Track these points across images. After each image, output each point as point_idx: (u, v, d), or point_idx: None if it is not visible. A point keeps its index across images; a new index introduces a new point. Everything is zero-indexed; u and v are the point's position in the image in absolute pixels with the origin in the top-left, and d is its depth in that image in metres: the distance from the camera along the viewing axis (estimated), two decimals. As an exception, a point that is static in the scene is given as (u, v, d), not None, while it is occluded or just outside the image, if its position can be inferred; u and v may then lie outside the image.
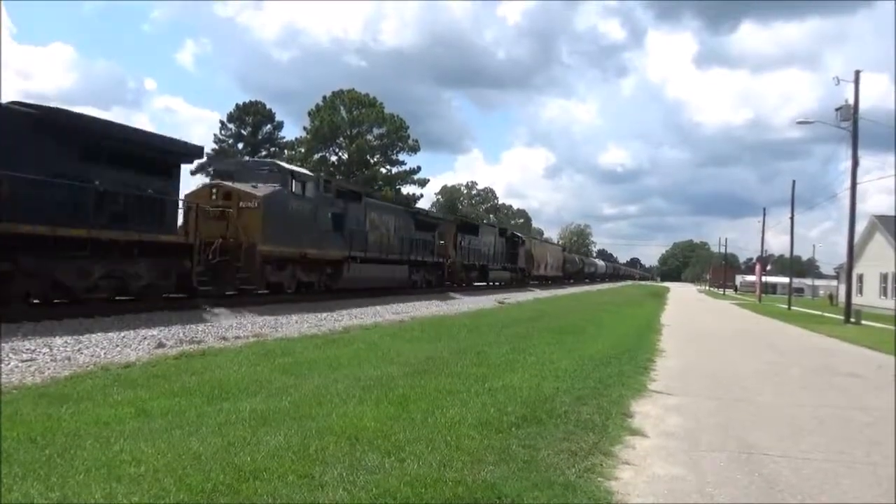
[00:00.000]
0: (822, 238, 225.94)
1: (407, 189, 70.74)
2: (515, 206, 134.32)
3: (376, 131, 68.90)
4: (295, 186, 18.20)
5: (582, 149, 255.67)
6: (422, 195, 73.38)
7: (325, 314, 16.26)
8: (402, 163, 70.96)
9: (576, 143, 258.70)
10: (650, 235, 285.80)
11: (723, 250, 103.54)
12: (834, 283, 59.42)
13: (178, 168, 14.97)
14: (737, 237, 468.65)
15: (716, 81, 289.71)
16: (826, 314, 32.66)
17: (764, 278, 65.63)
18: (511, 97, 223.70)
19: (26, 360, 8.10)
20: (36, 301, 11.97)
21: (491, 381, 7.54)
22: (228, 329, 12.31)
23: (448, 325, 14.82)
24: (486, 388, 7.11)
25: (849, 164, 26.70)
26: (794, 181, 45.74)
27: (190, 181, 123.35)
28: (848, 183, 27.08)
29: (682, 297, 53.74)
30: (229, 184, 16.99)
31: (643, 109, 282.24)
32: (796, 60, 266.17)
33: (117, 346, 9.67)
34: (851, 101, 26.44)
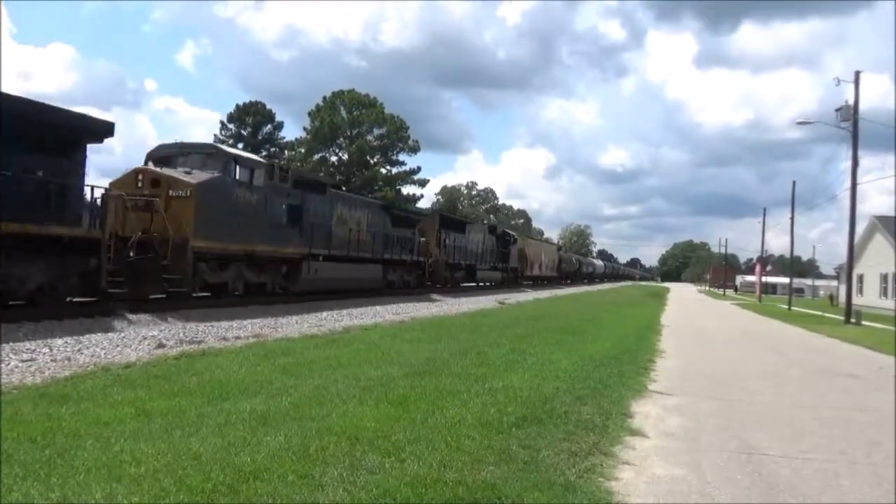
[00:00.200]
0: (822, 238, 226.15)
1: (407, 189, 70.88)
2: (516, 207, 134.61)
3: (376, 132, 68.98)
4: (240, 173, 16.00)
5: (582, 149, 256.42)
6: (422, 195, 73.60)
7: (325, 314, 16.26)
8: (403, 163, 71.12)
9: (576, 143, 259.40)
10: (650, 236, 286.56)
11: (723, 250, 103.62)
12: (834, 283, 59.41)
13: (80, 148, 12.43)
14: (737, 237, 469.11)
15: (716, 82, 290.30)
16: (826, 314, 32.64)
17: (764, 279, 65.62)
18: (511, 97, 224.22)
19: (26, 361, 8.10)
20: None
21: (491, 381, 7.54)
22: (229, 329, 12.31)
23: (448, 326, 14.81)
24: (486, 388, 7.11)
25: (849, 164, 26.73)
26: (794, 181, 45.78)
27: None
28: (848, 183, 27.11)
29: (683, 297, 53.72)
30: (157, 169, 14.86)
31: (643, 110, 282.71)
32: (796, 61, 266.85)
33: (117, 346, 9.68)
34: (851, 102, 26.45)
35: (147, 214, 13.91)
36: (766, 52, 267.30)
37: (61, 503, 3.53)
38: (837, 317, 28.82)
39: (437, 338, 12.07)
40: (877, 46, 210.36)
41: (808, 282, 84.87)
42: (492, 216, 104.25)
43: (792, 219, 44.92)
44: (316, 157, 68.12)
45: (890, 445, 5.79)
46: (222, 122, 71.36)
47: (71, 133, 12.20)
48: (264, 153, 67.38)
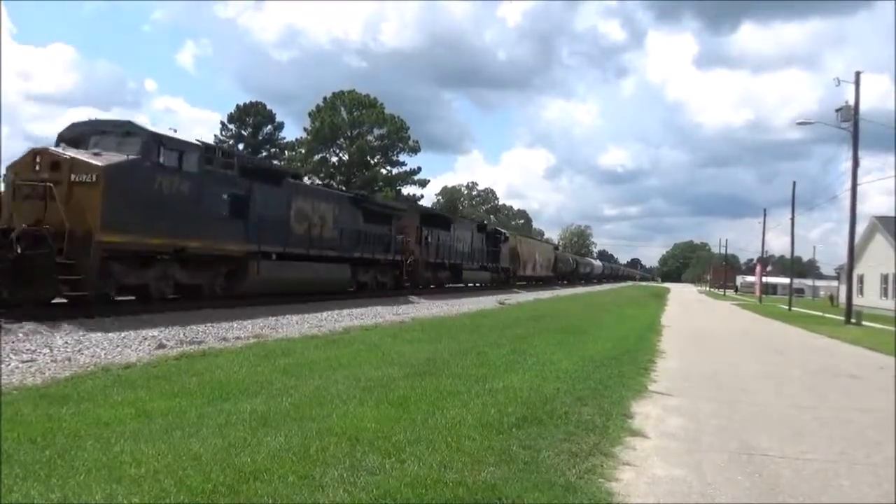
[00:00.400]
0: (822, 239, 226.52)
1: (407, 190, 70.91)
2: (516, 207, 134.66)
3: (377, 132, 69.04)
4: (165, 156, 13.57)
5: (582, 150, 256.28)
6: (422, 196, 73.60)
7: (325, 314, 16.25)
8: (403, 163, 71.20)
9: (576, 143, 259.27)
10: (650, 236, 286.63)
11: (723, 251, 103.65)
12: (834, 283, 59.41)
13: None
14: (737, 238, 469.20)
15: (716, 82, 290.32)
16: (827, 315, 32.64)
17: (764, 279, 65.63)
18: (511, 98, 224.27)
19: (27, 361, 8.10)
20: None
21: (491, 381, 7.54)
22: (229, 330, 12.31)
23: (448, 326, 14.82)
24: (486, 388, 7.11)
25: (849, 164, 26.72)
26: (794, 182, 45.92)
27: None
28: (848, 184, 27.10)
29: (683, 297, 53.74)
30: (58, 150, 12.57)
31: (643, 110, 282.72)
32: (796, 61, 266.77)
33: (118, 346, 9.68)
34: (852, 102, 26.46)
35: (42, 203, 11.79)
36: (766, 52, 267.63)
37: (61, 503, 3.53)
38: (838, 317, 28.82)
39: (437, 338, 12.07)
40: (877, 46, 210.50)
41: (809, 282, 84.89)
42: (492, 216, 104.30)
43: (792, 219, 44.98)
44: (316, 157, 68.17)
45: (890, 446, 5.79)
46: (223, 123, 71.60)
47: None
48: (265, 154, 67.50)
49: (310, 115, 67.99)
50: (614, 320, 20.39)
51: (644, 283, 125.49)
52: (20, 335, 9.80)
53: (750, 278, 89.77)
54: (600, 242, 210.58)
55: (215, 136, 70.75)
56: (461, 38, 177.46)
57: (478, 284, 38.60)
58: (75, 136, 13.67)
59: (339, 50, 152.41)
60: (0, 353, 8.33)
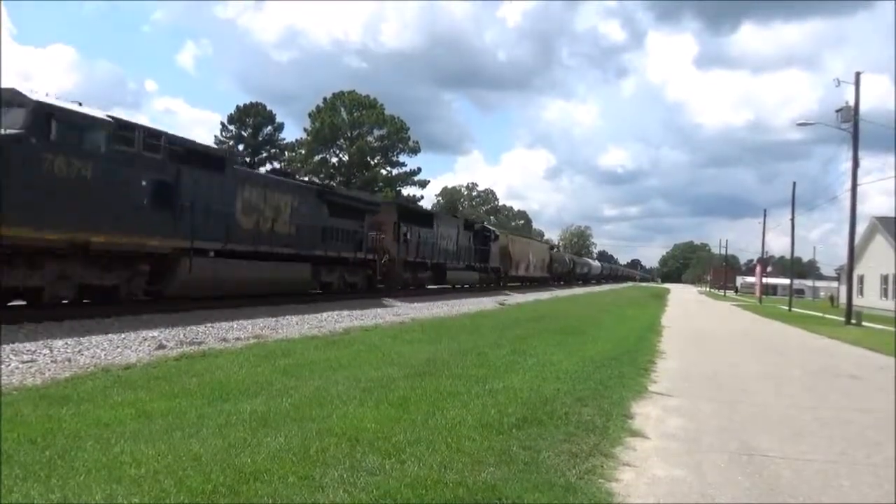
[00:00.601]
0: (822, 239, 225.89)
1: (407, 190, 70.95)
2: (516, 208, 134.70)
3: (377, 133, 69.13)
4: (57, 133, 11.26)
5: (582, 150, 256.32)
6: (422, 196, 73.65)
7: (325, 315, 16.26)
8: (403, 164, 71.31)
9: (576, 144, 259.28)
10: (650, 237, 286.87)
11: (723, 251, 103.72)
12: (834, 284, 59.46)
13: None
14: (737, 238, 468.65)
15: (716, 82, 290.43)
16: (827, 315, 32.64)
17: (764, 280, 65.64)
18: (511, 98, 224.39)
19: (27, 362, 8.10)
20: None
21: (491, 382, 7.54)
22: (229, 330, 12.32)
23: (448, 327, 14.82)
24: (486, 389, 7.10)
25: (849, 165, 26.74)
26: (794, 182, 46.00)
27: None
28: (848, 184, 27.10)
29: (683, 298, 53.73)
30: None
31: (644, 111, 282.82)
32: (796, 61, 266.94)
33: (118, 347, 9.68)
34: (852, 103, 26.48)
35: None
36: (766, 52, 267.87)
37: (61, 504, 3.53)
38: (838, 318, 28.82)
39: (437, 339, 12.08)
40: (877, 47, 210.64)
41: (809, 283, 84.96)
42: (492, 217, 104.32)
43: (792, 220, 45.00)
44: (316, 158, 68.26)
45: (890, 446, 5.79)
46: (223, 124, 71.65)
47: None
48: (265, 154, 67.57)
49: (310, 115, 68.15)
50: (614, 321, 20.39)
51: (644, 284, 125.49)
52: (20, 335, 9.81)
53: (750, 279, 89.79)
54: (600, 243, 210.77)
55: (215, 136, 70.91)
56: (461, 38, 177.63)
57: (465, 286, 35.87)
58: None
59: (339, 50, 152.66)
60: (0, 353, 8.33)
